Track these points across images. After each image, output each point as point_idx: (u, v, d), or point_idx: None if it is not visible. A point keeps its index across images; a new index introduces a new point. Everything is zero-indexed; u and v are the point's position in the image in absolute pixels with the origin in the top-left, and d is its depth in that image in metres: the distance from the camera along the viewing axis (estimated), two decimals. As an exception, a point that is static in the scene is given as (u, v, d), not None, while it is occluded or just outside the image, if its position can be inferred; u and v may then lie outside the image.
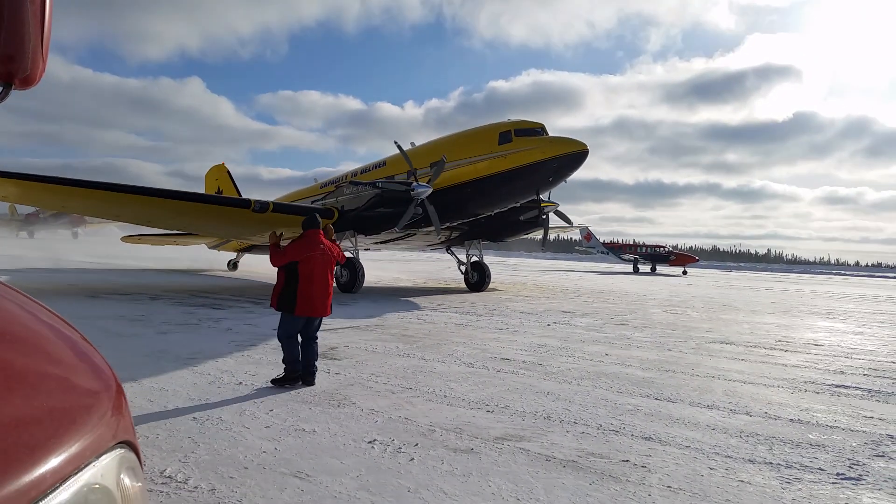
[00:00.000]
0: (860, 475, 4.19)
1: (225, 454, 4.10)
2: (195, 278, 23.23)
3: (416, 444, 4.48)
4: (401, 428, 4.90)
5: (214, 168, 30.00)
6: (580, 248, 61.12)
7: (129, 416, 1.14)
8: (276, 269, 6.53)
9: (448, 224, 18.72)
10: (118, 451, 1.03)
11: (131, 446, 1.08)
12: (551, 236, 25.18)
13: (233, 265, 28.32)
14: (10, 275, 19.99)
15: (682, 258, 52.16)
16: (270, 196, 18.59)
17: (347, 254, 18.65)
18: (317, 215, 6.70)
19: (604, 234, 49.07)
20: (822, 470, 4.26)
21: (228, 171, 29.48)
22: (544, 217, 20.57)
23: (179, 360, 7.28)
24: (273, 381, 6.18)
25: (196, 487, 3.53)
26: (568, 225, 23.97)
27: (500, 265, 51.52)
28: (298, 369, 6.26)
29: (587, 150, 16.81)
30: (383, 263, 40.30)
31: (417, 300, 16.78)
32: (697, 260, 57.95)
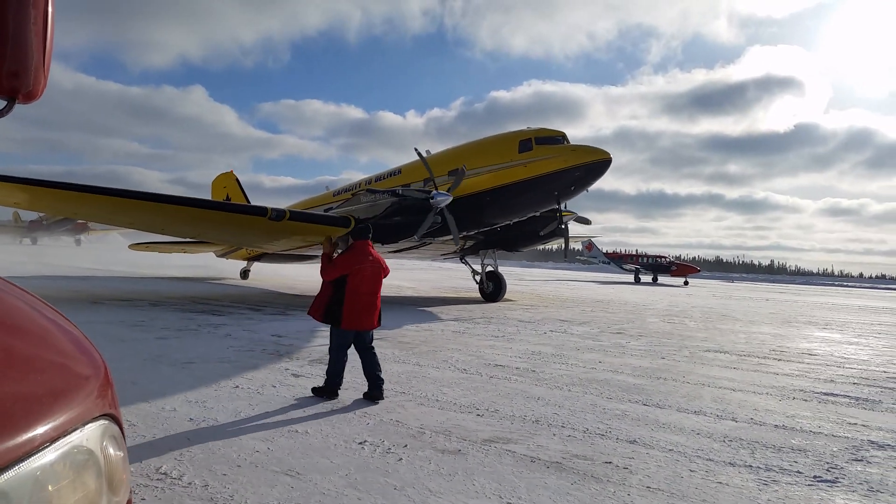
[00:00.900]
0: (836, 478, 4.30)
1: (219, 453, 4.23)
2: (197, 286, 23.41)
3: (405, 446, 4.61)
4: (391, 430, 5.02)
5: (222, 175, 29.97)
6: (582, 258, 61.16)
7: (114, 393, 1.32)
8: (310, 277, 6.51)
9: (465, 233, 18.47)
10: (102, 422, 1.21)
11: (115, 419, 1.27)
12: (554, 246, 24.99)
13: (244, 273, 28.26)
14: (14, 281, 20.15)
15: (683, 269, 52.18)
16: (274, 204, 18.51)
17: None
18: (369, 225, 6.56)
19: (606, 244, 49.11)
20: (799, 473, 4.38)
21: (237, 179, 29.45)
22: (563, 227, 20.26)
23: (177, 364, 7.42)
24: (313, 391, 6.13)
25: (190, 483, 3.66)
26: (587, 223, 23.49)
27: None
28: (340, 383, 6.15)
29: (610, 158, 16.57)
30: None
31: (417, 308, 16.91)
32: (699, 270, 58.03)
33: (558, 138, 17.33)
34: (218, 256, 29.01)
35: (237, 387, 6.35)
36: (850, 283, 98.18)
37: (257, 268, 29.13)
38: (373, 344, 6.43)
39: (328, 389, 6.08)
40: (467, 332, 11.78)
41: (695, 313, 19.70)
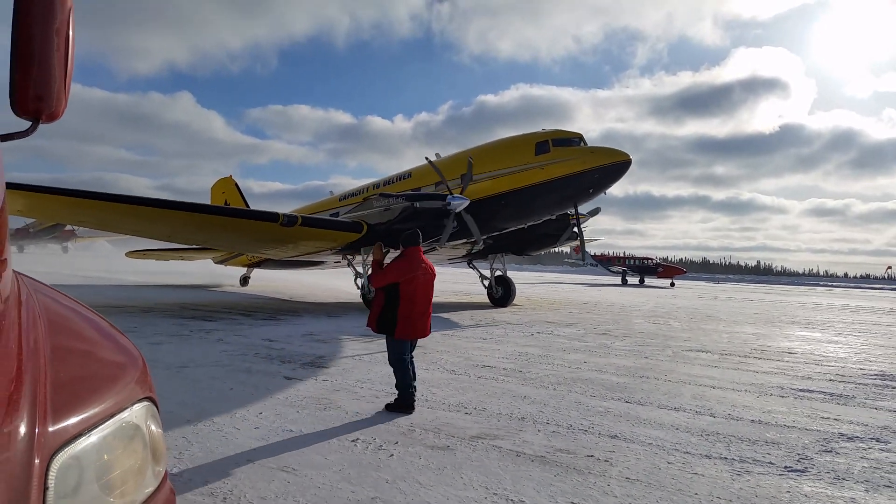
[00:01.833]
0: (805, 468, 4.54)
1: (217, 451, 4.41)
2: (189, 293, 23.49)
3: (397, 443, 4.81)
4: (383, 429, 5.22)
5: (221, 181, 29.90)
6: (570, 261, 61.57)
7: (151, 381, 1.61)
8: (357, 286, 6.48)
9: (477, 238, 17.97)
10: (145, 403, 1.50)
11: (153, 402, 1.55)
12: (565, 248, 24.62)
13: (244, 280, 28.13)
14: None
15: (669, 270, 52.76)
16: (265, 209, 18.42)
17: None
18: (418, 231, 6.40)
19: (594, 246, 49.42)
20: (771, 464, 4.61)
21: (236, 184, 29.38)
22: (576, 231, 19.96)
23: (171, 368, 7.58)
24: (387, 407, 5.87)
25: (190, 480, 3.84)
26: (596, 213, 22.13)
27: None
28: (413, 395, 5.93)
29: (630, 160, 16.28)
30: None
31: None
32: (685, 272, 58.63)
33: (575, 140, 17.06)
34: (216, 263, 28.86)
35: (231, 389, 6.52)
36: (835, 283, 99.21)
37: (273, 274, 29.02)
38: (413, 353, 6.29)
39: (403, 404, 5.85)
40: (456, 335, 12.00)
41: (680, 314, 20.01)
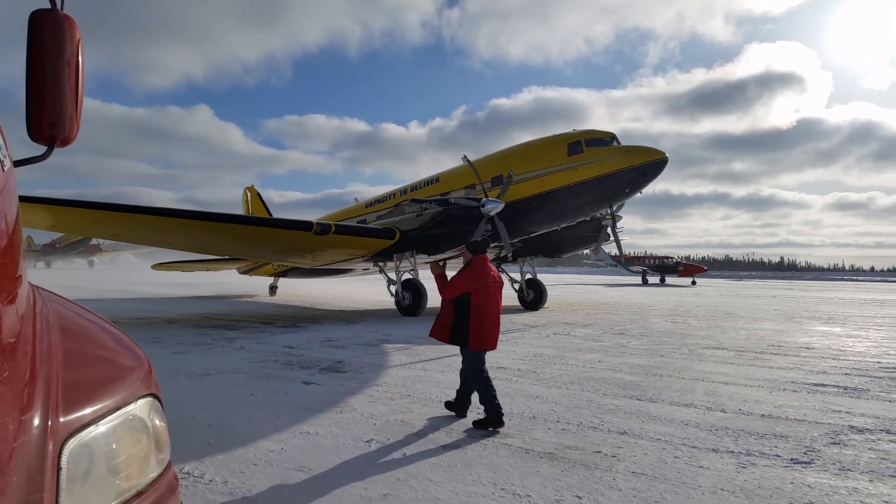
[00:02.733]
0: (812, 460, 4.61)
1: (236, 454, 4.59)
2: (212, 303, 23.87)
3: (410, 442, 4.96)
4: (396, 429, 5.37)
5: (245, 190, 30.65)
6: (589, 262, 61.41)
7: (156, 380, 1.83)
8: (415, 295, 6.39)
9: (511, 240, 17.68)
10: (149, 399, 1.70)
11: (157, 398, 1.76)
12: (584, 249, 24.33)
13: (272, 290, 28.26)
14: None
15: (690, 269, 52.42)
16: (297, 218, 18.43)
17: (407, 275, 18.08)
18: (487, 238, 6.27)
19: (614, 246, 49.10)
20: (778, 456, 4.69)
21: (259, 194, 29.88)
22: (608, 232, 19.65)
23: (195, 376, 7.80)
24: (475, 424, 5.54)
25: (211, 481, 4.02)
26: (617, 247, 21.16)
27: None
28: (499, 409, 5.51)
29: (667, 158, 16.08)
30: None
31: (424, 318, 17.25)
32: (706, 270, 58.22)
33: (607, 139, 16.91)
34: (241, 273, 29.17)
35: (251, 395, 6.72)
36: (860, 278, 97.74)
37: (297, 283, 29.18)
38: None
39: (492, 419, 5.49)
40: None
41: (699, 312, 19.96)
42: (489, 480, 4.08)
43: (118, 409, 1.57)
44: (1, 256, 1.41)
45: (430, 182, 20.25)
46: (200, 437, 5.01)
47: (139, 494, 1.57)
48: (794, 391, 7.22)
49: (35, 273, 52.81)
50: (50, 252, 68.89)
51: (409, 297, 17.32)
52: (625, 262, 54.49)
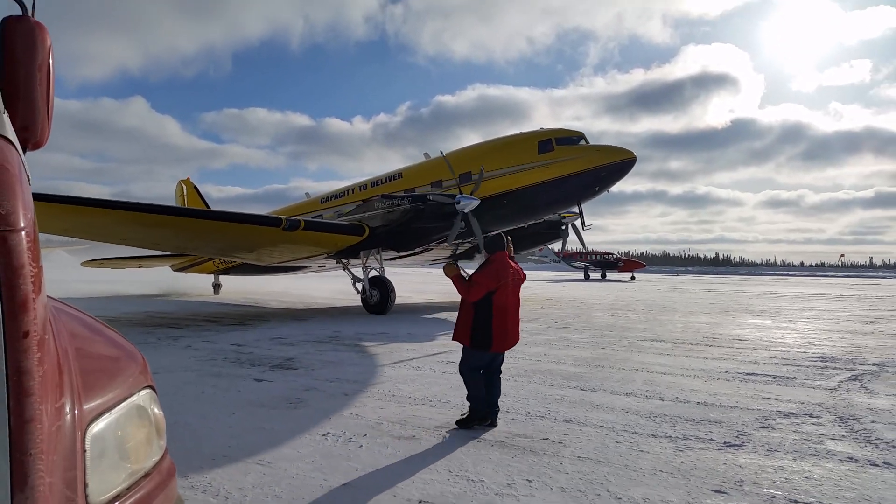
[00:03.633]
0: (743, 443, 4.96)
1: (194, 450, 4.64)
2: (151, 303, 23.34)
3: (365, 435, 5.09)
4: (352, 423, 5.50)
5: (179, 183, 29.33)
6: (533, 258, 62.36)
7: (150, 373, 2.02)
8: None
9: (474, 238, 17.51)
10: (148, 390, 1.89)
11: (153, 389, 1.96)
12: (557, 246, 24.34)
13: (216, 288, 27.27)
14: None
15: (629, 264, 53.96)
16: (266, 214, 17.61)
17: (374, 272, 17.78)
18: (503, 234, 5.94)
19: (556, 243, 49.94)
20: (712, 440, 5.02)
21: (196, 187, 28.57)
22: (563, 228, 20.41)
23: (143, 375, 7.71)
24: (459, 423, 5.44)
25: (170, 476, 4.06)
26: (581, 244, 22.24)
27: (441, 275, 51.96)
28: (484, 408, 5.48)
29: (635, 158, 16.49)
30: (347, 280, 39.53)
31: (373, 318, 17.29)
32: (645, 265, 60.00)
33: (575, 138, 17.09)
34: (175, 270, 28.07)
35: (202, 392, 6.72)
36: (791, 273, 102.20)
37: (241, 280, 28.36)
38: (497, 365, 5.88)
39: (474, 418, 5.44)
40: (422, 334, 12.29)
41: (638, 306, 20.64)
42: (444, 468, 4.26)
43: (125, 399, 1.75)
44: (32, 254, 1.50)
45: (392, 178, 19.92)
46: (155, 435, 5.02)
47: (146, 476, 1.74)
48: (728, 380, 7.65)
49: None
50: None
51: (377, 295, 17.11)
52: (568, 259, 55.61)
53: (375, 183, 20.38)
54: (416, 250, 18.43)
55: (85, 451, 1.52)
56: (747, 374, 8.10)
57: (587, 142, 17.11)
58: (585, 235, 20.61)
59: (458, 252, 21.47)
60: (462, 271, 5.95)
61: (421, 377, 7.69)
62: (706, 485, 3.99)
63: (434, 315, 16.99)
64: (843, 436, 5.19)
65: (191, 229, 15.51)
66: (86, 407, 1.59)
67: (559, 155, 16.60)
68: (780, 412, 6.03)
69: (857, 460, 4.52)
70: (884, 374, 8.14)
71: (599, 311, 18.69)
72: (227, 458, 4.44)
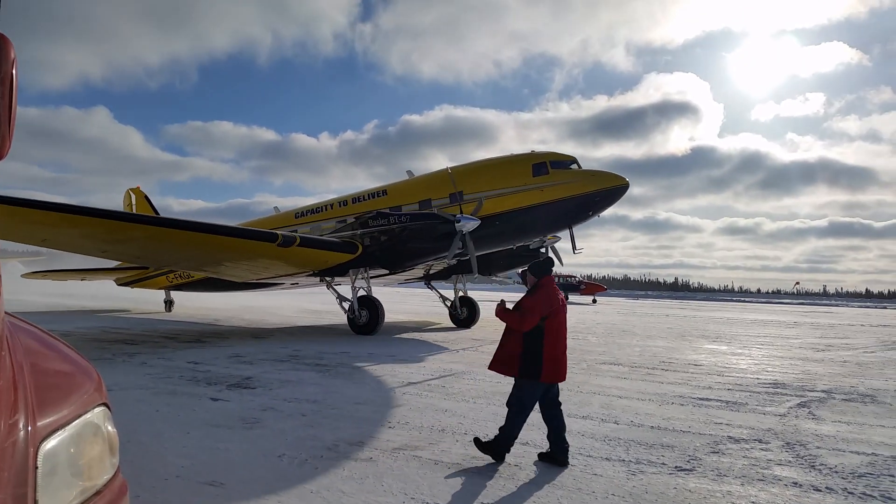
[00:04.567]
0: (693, 467, 5.07)
1: (146, 469, 4.56)
2: (103, 319, 22.81)
3: (321, 457, 5.07)
4: (308, 444, 5.46)
5: (128, 191, 27.71)
6: (497, 279, 62.58)
7: (105, 391, 2.04)
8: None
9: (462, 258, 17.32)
10: (102, 408, 1.92)
11: (108, 407, 1.99)
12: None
13: (167, 304, 25.87)
14: None
15: (591, 287, 54.61)
16: (259, 229, 16.79)
17: (362, 291, 17.29)
18: (551, 258, 5.41)
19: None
20: (664, 464, 5.12)
21: (146, 196, 27.09)
22: (543, 249, 20.43)
23: (95, 392, 7.54)
24: (482, 448, 5.17)
25: (120, 497, 3.99)
26: (559, 263, 21.98)
27: (408, 295, 51.78)
28: (509, 446, 5.14)
29: (628, 184, 16.59)
30: (311, 297, 39.22)
31: (336, 336, 17.20)
32: (606, 289, 60.80)
33: (567, 162, 17.13)
34: (119, 285, 26.83)
35: (157, 411, 6.61)
36: (747, 299, 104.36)
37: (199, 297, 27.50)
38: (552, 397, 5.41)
39: (498, 447, 5.13)
40: (383, 354, 12.26)
41: (598, 329, 20.89)
42: (400, 490, 4.27)
43: (79, 416, 1.77)
44: None
45: (376, 194, 19.37)
46: (106, 454, 4.93)
47: (97, 493, 1.77)
48: (682, 405, 7.80)
49: None
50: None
51: (366, 315, 16.72)
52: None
53: (357, 199, 19.85)
54: (409, 269, 18.11)
55: (37, 467, 1.54)
56: (701, 399, 8.27)
57: (579, 166, 17.21)
58: (571, 258, 20.84)
59: (430, 272, 21.20)
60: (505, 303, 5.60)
61: (380, 398, 7.68)
62: (656, 508, 4.07)
63: (402, 335, 16.95)
64: (790, 461, 5.35)
65: (179, 242, 14.75)
66: (39, 424, 1.60)
67: (554, 178, 16.62)
68: (730, 437, 6.18)
69: (801, 485, 4.67)
70: (831, 401, 8.40)
71: (560, 333, 18.80)
72: (180, 479, 4.38)
